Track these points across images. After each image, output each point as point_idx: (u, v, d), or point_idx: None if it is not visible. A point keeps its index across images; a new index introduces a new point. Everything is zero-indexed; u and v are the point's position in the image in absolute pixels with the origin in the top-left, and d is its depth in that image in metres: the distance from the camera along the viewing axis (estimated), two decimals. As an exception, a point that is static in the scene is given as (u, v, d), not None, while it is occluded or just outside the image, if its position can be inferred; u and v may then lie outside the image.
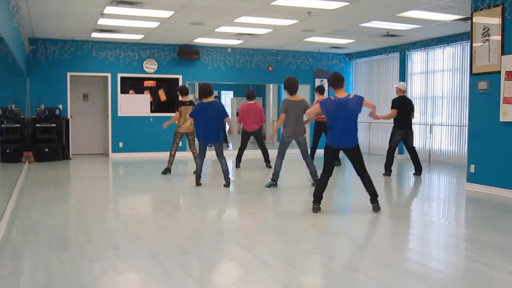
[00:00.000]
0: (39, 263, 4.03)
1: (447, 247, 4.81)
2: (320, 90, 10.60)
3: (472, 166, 7.69)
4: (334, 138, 5.94)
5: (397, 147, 9.52)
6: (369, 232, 5.41)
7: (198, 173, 7.99)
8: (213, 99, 7.96)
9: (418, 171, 9.42)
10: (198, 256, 4.34)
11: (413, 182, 9.16)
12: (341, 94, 6.00)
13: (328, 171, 6.01)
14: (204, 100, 7.75)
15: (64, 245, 4.60)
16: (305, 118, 7.83)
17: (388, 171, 9.36)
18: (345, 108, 5.87)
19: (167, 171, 9.33)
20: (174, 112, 9.23)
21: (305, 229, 5.36)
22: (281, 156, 7.75)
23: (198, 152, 8.27)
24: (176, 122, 9.19)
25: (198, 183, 7.97)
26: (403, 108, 9.14)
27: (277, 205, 7.06)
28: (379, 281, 3.64)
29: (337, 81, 6.08)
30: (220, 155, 7.90)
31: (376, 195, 6.04)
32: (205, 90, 7.82)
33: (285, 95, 7.90)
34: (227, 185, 7.86)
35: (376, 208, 6.00)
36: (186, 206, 6.95)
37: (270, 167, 10.12)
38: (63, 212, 6.18)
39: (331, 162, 6.04)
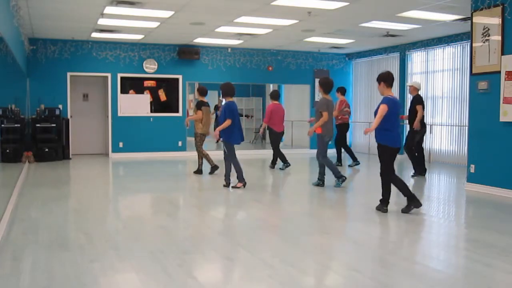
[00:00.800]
0: (39, 263, 4.03)
1: (447, 247, 4.81)
2: (342, 90, 10.59)
3: (472, 166, 7.69)
4: (397, 138, 6.00)
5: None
6: (369, 232, 5.40)
7: (227, 174, 7.90)
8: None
9: (422, 172, 9.35)
10: (198, 256, 4.34)
11: (412, 182, 9.14)
12: (391, 92, 6.00)
13: (393, 171, 6.10)
14: (231, 100, 7.69)
15: (64, 245, 4.60)
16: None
17: (423, 171, 9.24)
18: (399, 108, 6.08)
19: (214, 169, 9.31)
20: (193, 111, 9.15)
21: (305, 229, 5.36)
22: (326, 154, 7.80)
23: (227, 153, 7.82)
24: (195, 123, 9.11)
25: (228, 184, 7.86)
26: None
27: (277, 205, 7.06)
28: (379, 281, 3.64)
29: (391, 79, 5.99)
30: (235, 155, 7.82)
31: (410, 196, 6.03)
32: (233, 89, 7.74)
33: (321, 94, 7.80)
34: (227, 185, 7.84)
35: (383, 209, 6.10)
36: (186, 206, 6.94)
37: (273, 168, 10.22)
38: (63, 212, 6.18)
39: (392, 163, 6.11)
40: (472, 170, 7.69)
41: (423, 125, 9.14)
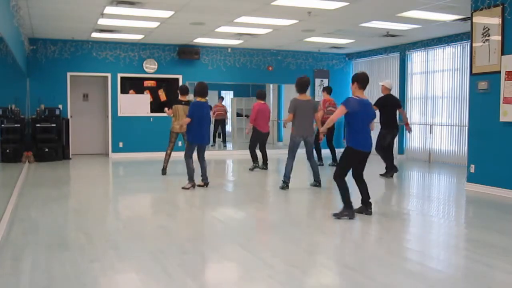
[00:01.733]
0: (39, 263, 4.03)
1: (447, 247, 4.81)
2: (328, 90, 10.54)
3: (472, 166, 7.69)
4: (366, 141, 5.70)
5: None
6: (369, 232, 5.41)
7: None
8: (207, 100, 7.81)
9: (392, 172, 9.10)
10: (198, 256, 4.34)
11: (413, 182, 9.16)
12: (362, 94, 5.74)
13: (344, 175, 5.74)
14: (203, 100, 7.66)
15: (64, 245, 4.60)
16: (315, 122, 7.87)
17: (393, 170, 9.01)
18: (369, 110, 5.79)
19: (163, 171, 9.33)
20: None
21: (305, 229, 5.36)
22: (292, 156, 7.67)
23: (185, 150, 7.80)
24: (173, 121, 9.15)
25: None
26: (387, 107, 8.84)
27: (277, 205, 7.06)
28: (379, 281, 3.64)
29: (366, 82, 5.78)
30: (203, 156, 7.84)
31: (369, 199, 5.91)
32: (205, 89, 7.70)
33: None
34: (206, 185, 7.81)
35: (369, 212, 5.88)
36: (186, 206, 6.94)
37: (266, 169, 10.03)
38: (63, 212, 6.18)
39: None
40: (472, 170, 7.69)
41: (394, 126, 8.94)
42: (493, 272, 3.97)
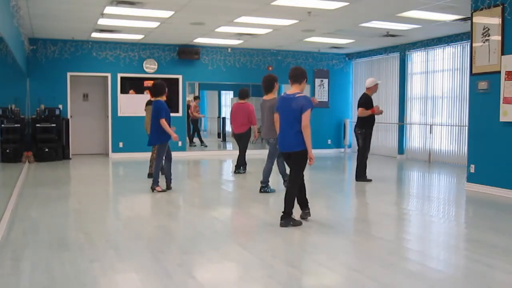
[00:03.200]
0: (39, 263, 4.03)
1: (447, 247, 4.81)
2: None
3: (472, 166, 7.69)
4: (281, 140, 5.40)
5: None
6: (369, 232, 5.41)
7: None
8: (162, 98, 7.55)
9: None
10: (198, 256, 4.34)
11: (413, 182, 9.15)
12: (296, 89, 5.34)
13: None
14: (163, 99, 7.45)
15: (64, 245, 4.60)
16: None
17: (364, 177, 8.64)
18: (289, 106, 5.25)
19: (150, 176, 9.18)
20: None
21: (305, 229, 5.36)
22: (273, 158, 7.40)
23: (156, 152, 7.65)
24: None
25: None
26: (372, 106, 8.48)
27: (276, 205, 7.05)
28: (379, 281, 3.64)
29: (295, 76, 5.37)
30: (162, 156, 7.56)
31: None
32: (165, 88, 7.46)
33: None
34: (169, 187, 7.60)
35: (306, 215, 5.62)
36: (186, 206, 6.94)
37: (239, 172, 9.50)
38: (63, 212, 6.17)
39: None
40: (472, 170, 7.69)
41: (366, 126, 8.46)
42: (493, 272, 3.97)
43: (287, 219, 5.29)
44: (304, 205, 5.59)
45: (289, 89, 5.39)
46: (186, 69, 13.21)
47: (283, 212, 5.32)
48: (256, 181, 8.94)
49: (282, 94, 5.50)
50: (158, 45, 12.91)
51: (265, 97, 7.42)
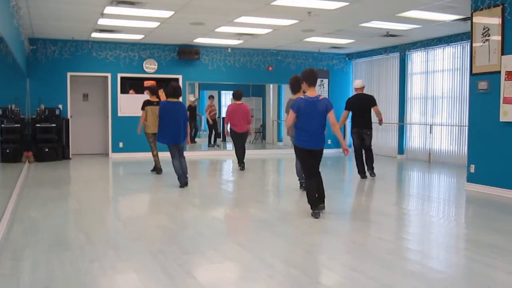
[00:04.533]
0: (39, 263, 4.03)
1: (447, 247, 4.81)
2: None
3: (472, 166, 7.69)
4: (307, 139, 5.71)
5: (361, 149, 8.82)
6: (369, 232, 5.41)
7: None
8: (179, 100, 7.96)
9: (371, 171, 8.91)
10: (198, 256, 4.34)
11: (412, 182, 9.14)
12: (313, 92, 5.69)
13: (309, 176, 5.84)
14: (171, 100, 7.83)
15: (64, 245, 4.60)
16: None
17: (363, 174, 8.83)
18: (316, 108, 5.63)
19: (157, 171, 9.42)
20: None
21: (305, 229, 5.36)
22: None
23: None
24: (145, 123, 9.24)
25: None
26: (356, 107, 8.70)
27: (277, 205, 7.06)
28: (379, 281, 3.64)
29: (315, 78, 5.72)
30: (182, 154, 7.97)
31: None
32: (178, 90, 7.89)
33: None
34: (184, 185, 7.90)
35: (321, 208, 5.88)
36: (186, 206, 6.94)
37: (243, 168, 10.04)
38: (63, 212, 6.17)
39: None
40: (472, 170, 7.69)
41: (356, 125, 8.72)
42: (493, 272, 3.97)
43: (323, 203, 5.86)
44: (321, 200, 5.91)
45: (308, 91, 5.67)
46: (186, 69, 13.21)
47: (322, 200, 5.81)
48: (256, 181, 8.95)
49: (303, 96, 5.70)
50: (158, 45, 12.91)
51: (292, 97, 7.57)
